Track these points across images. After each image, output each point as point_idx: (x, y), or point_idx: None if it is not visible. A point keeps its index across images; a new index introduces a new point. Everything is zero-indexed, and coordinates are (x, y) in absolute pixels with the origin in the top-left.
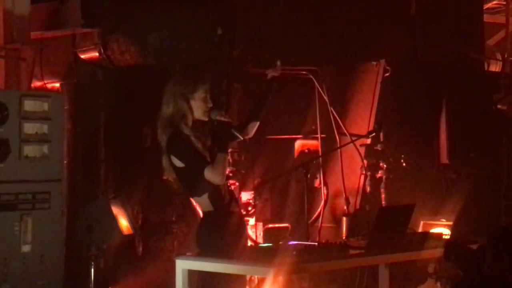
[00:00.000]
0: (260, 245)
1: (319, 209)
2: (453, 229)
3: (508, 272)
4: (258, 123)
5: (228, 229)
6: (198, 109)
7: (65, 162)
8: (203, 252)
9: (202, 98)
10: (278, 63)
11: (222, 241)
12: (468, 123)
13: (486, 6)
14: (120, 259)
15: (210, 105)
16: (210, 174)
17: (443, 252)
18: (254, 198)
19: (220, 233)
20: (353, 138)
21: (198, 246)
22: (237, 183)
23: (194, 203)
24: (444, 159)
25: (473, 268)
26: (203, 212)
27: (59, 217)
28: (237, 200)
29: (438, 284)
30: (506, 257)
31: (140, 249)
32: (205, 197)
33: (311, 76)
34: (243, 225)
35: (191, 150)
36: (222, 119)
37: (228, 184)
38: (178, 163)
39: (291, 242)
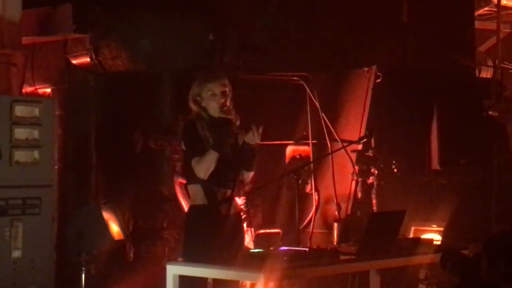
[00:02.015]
0: (251, 250)
1: (310, 215)
2: (444, 235)
3: (504, 279)
4: (250, 173)
5: (210, 228)
6: (211, 107)
7: (56, 167)
8: (186, 245)
9: (209, 96)
10: (253, 128)
11: (201, 238)
12: (459, 130)
13: (477, 12)
14: (111, 265)
15: (221, 100)
16: (194, 165)
17: (439, 260)
18: (246, 204)
19: (201, 231)
20: (345, 144)
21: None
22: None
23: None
24: (435, 165)
25: (469, 275)
26: (190, 206)
27: (50, 222)
28: (234, 206)
29: None
30: (501, 264)
31: (131, 255)
32: (197, 188)
33: (302, 82)
34: (231, 230)
35: (193, 137)
36: (222, 115)
37: (233, 191)
38: (183, 146)
39: (282, 248)
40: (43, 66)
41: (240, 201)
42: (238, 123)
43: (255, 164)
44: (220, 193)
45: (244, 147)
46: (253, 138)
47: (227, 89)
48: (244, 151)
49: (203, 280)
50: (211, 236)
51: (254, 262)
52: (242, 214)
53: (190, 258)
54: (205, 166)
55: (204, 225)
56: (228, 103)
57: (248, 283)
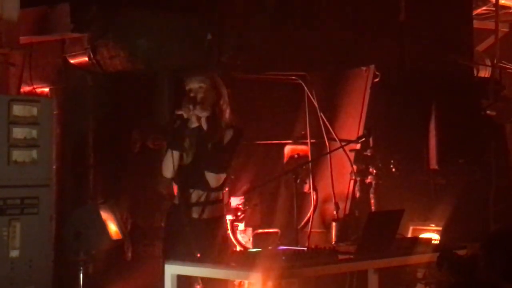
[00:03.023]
0: (250, 250)
1: (308, 214)
2: (442, 234)
3: (502, 279)
4: (214, 175)
5: (175, 228)
6: None
7: (54, 167)
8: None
9: (187, 92)
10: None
11: (169, 237)
12: (457, 129)
13: (475, 12)
14: (109, 265)
15: (190, 96)
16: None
17: (436, 260)
18: (244, 203)
19: (169, 229)
20: (343, 143)
21: None
22: (226, 189)
23: None
24: (433, 164)
25: (465, 275)
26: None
27: (48, 222)
28: (211, 210)
29: None
30: (499, 263)
31: (129, 254)
32: (176, 188)
33: (300, 82)
34: (197, 235)
35: (169, 139)
36: (178, 111)
37: (213, 194)
38: None
39: (281, 247)
40: (41, 66)
41: (238, 200)
42: (223, 120)
43: (219, 164)
44: (193, 194)
45: (207, 145)
46: (184, 109)
47: (202, 85)
48: (209, 149)
49: (191, 279)
50: (178, 237)
51: (252, 262)
52: (239, 213)
53: (164, 254)
54: (163, 165)
55: (174, 225)
56: (198, 99)
57: (246, 282)
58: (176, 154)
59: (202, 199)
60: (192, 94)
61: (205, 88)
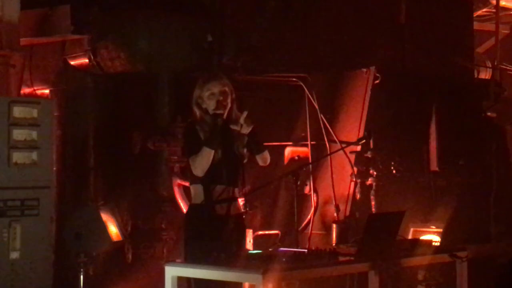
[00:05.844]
0: (250, 251)
1: (309, 216)
2: (443, 236)
3: None
4: (262, 155)
5: (206, 228)
6: (210, 107)
7: (54, 168)
8: (183, 244)
9: (208, 95)
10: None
11: (198, 238)
12: (457, 131)
13: (475, 14)
14: (110, 266)
15: (220, 98)
16: (191, 163)
17: None
18: (244, 205)
19: (197, 230)
20: (343, 145)
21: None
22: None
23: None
24: (434, 166)
25: None
26: (189, 205)
27: (48, 224)
28: (236, 206)
29: None
30: None
31: (130, 256)
32: (198, 188)
33: (301, 83)
34: (230, 231)
35: (191, 137)
36: (215, 111)
37: (233, 190)
38: (184, 148)
39: (281, 249)
40: (41, 67)
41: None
42: (247, 129)
43: (263, 145)
44: (217, 191)
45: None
46: (247, 127)
47: (226, 89)
48: (249, 138)
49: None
50: (207, 236)
51: (253, 263)
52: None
53: (187, 257)
54: (198, 162)
55: (200, 225)
56: (226, 101)
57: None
58: (212, 153)
59: (227, 194)
60: (221, 97)
61: (229, 89)
